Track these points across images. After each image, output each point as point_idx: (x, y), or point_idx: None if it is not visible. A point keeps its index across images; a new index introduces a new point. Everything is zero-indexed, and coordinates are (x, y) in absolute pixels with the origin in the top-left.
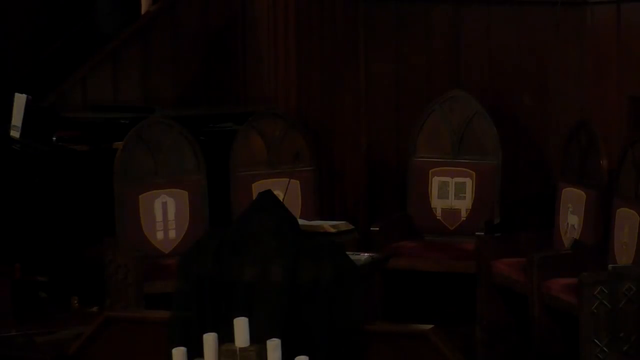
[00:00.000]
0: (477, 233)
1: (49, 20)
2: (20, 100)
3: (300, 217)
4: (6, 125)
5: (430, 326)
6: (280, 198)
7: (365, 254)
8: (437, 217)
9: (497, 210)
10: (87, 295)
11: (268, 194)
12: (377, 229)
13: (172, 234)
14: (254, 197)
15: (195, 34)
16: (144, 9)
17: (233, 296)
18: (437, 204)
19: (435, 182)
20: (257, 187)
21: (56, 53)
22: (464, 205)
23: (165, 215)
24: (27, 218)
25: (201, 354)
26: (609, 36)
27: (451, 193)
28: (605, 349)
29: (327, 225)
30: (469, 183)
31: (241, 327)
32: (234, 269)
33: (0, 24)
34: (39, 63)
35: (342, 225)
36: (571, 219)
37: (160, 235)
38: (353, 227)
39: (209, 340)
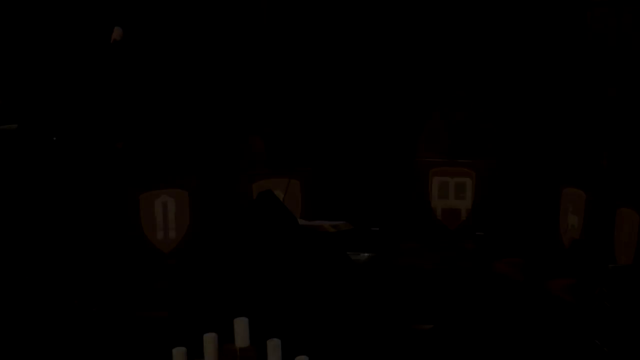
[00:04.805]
0: (477, 233)
1: None
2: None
3: (300, 217)
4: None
5: (430, 326)
6: (280, 198)
7: (365, 254)
8: (437, 217)
9: (497, 210)
10: (87, 295)
11: (268, 194)
12: (377, 229)
13: (172, 234)
14: (254, 197)
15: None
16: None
17: (234, 295)
18: (437, 204)
19: (435, 182)
20: (257, 187)
21: None
22: (464, 205)
23: (165, 215)
24: (27, 218)
25: (201, 354)
26: (609, 36)
27: (451, 193)
28: (605, 349)
29: (327, 225)
30: (469, 183)
31: (241, 327)
32: (234, 268)
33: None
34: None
35: (342, 225)
36: (571, 219)
37: (160, 235)
38: (353, 227)
39: (209, 340)
